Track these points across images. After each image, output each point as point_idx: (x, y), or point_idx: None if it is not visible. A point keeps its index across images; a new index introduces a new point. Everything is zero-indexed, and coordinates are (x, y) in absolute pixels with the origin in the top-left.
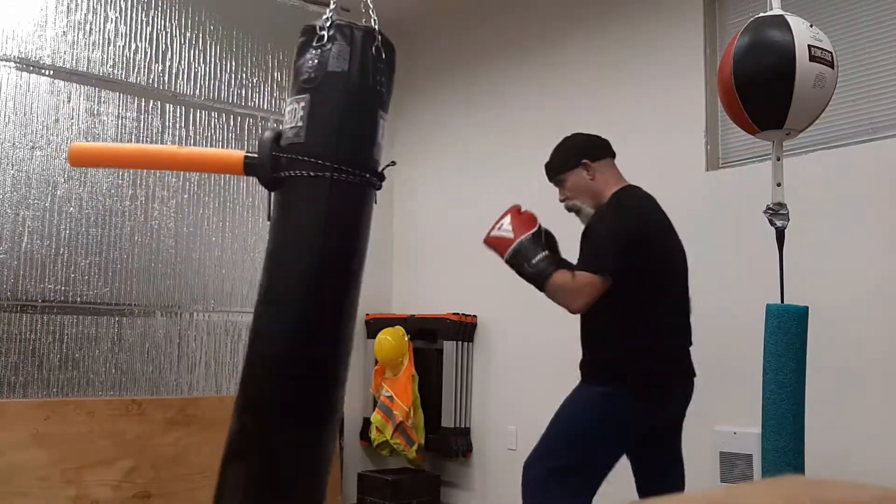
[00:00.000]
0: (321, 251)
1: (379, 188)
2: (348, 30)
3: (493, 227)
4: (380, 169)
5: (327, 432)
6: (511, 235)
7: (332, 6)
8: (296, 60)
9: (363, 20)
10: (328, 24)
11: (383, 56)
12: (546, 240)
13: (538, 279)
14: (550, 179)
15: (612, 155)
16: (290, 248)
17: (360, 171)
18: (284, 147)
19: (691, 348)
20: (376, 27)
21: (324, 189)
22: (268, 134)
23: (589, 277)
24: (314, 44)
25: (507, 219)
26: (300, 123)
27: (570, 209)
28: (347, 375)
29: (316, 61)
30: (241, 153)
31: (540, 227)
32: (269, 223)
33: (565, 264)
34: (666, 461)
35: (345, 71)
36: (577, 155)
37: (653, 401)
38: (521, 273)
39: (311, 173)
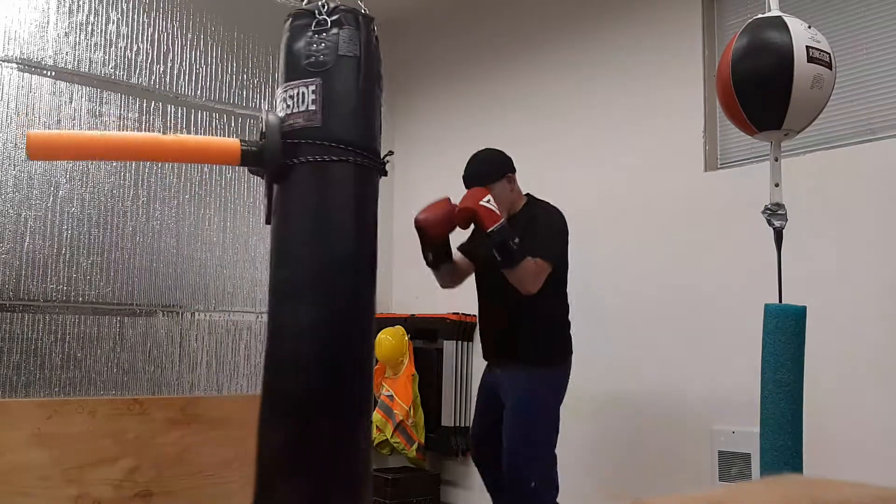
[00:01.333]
0: (354, 237)
1: (385, 174)
2: (352, 15)
3: (476, 198)
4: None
5: (370, 424)
6: (499, 213)
7: None
8: (290, 44)
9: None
10: (331, 8)
11: (378, 43)
12: None
13: (516, 257)
14: (474, 186)
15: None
16: (317, 236)
17: (373, 155)
18: (294, 132)
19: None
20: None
21: (349, 174)
22: (273, 119)
23: (544, 265)
24: (314, 28)
25: (490, 196)
26: (312, 107)
27: None
28: None
29: (323, 45)
30: (236, 141)
31: None
32: (272, 215)
33: None
34: None
35: (356, 56)
36: (504, 168)
37: (567, 376)
38: (503, 245)
39: (334, 158)
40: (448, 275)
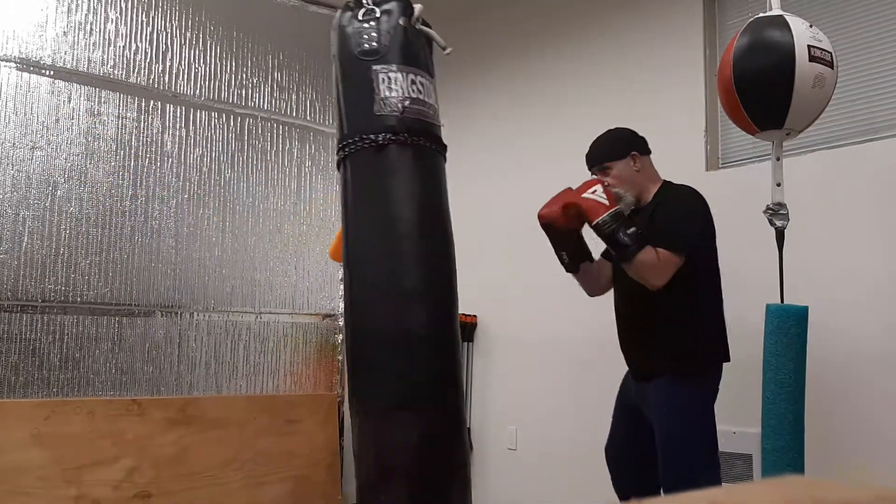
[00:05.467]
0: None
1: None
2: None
3: (580, 191)
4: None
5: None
6: (607, 203)
7: None
8: (342, 32)
9: None
10: None
11: (423, 26)
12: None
13: (630, 249)
14: (594, 166)
15: (650, 152)
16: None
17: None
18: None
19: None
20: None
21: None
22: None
23: (671, 256)
24: (360, 17)
25: (599, 188)
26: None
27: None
28: None
29: (370, 34)
30: None
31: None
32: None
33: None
34: None
35: (384, 45)
36: (628, 146)
37: (717, 385)
38: (611, 237)
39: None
40: (592, 279)
